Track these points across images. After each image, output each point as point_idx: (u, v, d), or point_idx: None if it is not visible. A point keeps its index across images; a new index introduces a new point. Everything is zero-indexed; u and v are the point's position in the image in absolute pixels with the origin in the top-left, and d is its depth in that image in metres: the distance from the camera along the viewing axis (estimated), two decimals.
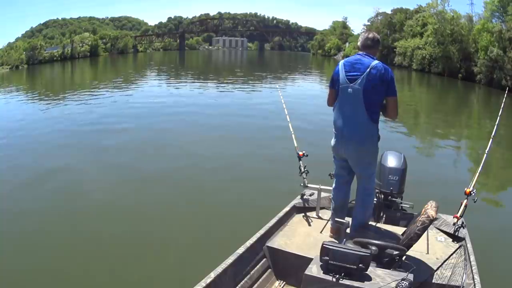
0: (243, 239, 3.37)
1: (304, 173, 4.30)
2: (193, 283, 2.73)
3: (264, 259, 3.45)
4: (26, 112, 15.96)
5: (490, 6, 32.09)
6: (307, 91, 24.06)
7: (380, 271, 2.59)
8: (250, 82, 29.90)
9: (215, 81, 30.57)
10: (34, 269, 4.64)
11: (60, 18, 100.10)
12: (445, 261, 3.31)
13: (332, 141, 3.59)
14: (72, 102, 18.11)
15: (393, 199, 4.23)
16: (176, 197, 6.88)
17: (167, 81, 30.92)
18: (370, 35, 3.51)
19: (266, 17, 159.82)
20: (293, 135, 4.80)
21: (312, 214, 4.19)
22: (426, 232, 3.33)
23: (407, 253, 3.02)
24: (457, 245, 3.53)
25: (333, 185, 3.80)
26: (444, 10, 40.37)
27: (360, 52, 3.48)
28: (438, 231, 3.82)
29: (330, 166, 3.84)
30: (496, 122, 4.99)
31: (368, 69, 3.30)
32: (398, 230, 3.67)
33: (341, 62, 3.52)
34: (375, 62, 3.33)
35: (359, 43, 3.55)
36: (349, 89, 3.35)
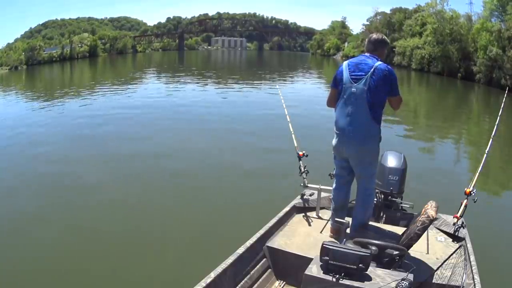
0: (243, 239, 3.37)
1: (304, 173, 4.30)
2: (193, 283, 2.73)
3: (264, 259, 3.45)
4: (25, 112, 15.95)
5: (489, 6, 32.08)
6: (307, 91, 24.06)
7: (380, 271, 2.59)
8: (250, 82, 29.88)
9: (214, 81, 30.59)
10: (34, 269, 4.64)
11: (59, 19, 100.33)
12: (445, 261, 3.31)
13: (334, 141, 3.59)
14: (71, 102, 18.14)
15: (393, 199, 4.23)
16: (176, 197, 6.88)
17: (166, 81, 30.92)
18: (374, 36, 3.56)
19: (265, 17, 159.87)
20: (293, 135, 4.80)
21: (312, 214, 4.18)
22: (426, 232, 3.33)
23: (407, 253, 3.02)
24: (457, 245, 3.53)
25: (333, 185, 3.80)
26: (443, 9, 40.39)
27: (365, 54, 3.52)
28: (438, 231, 3.81)
29: (330, 166, 3.84)
30: (496, 122, 5.00)
31: (372, 69, 3.33)
32: (398, 230, 3.66)
33: (345, 63, 3.54)
34: (379, 62, 3.38)
35: (365, 46, 3.59)
36: (352, 89, 3.37)
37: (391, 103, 3.49)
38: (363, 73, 3.35)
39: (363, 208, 3.63)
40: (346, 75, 3.43)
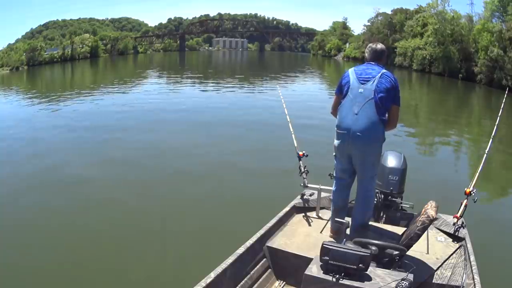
0: (243, 239, 3.37)
1: (304, 173, 4.31)
2: (193, 283, 2.73)
3: (264, 259, 3.45)
4: (26, 112, 15.98)
5: (490, 6, 32.10)
6: (307, 91, 24.03)
7: (380, 271, 2.59)
8: (251, 82, 29.94)
9: (215, 81, 30.59)
10: (34, 268, 4.66)
11: (60, 19, 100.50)
12: (445, 261, 3.31)
13: (336, 142, 3.56)
14: (72, 103, 18.14)
15: (393, 199, 4.23)
16: (176, 197, 6.89)
17: (167, 82, 30.98)
18: (379, 47, 3.63)
19: (266, 18, 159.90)
20: (293, 135, 4.81)
21: (312, 214, 4.19)
22: (426, 232, 3.33)
23: (407, 253, 3.02)
24: (457, 245, 3.53)
25: (334, 187, 3.78)
26: (444, 10, 40.37)
27: (369, 62, 3.57)
28: (438, 231, 3.81)
29: (330, 166, 3.84)
30: (496, 122, 5.00)
31: (380, 74, 3.40)
32: (398, 230, 3.67)
33: (350, 69, 3.58)
34: (385, 70, 3.46)
35: (366, 55, 3.63)
36: (360, 89, 3.39)
37: (390, 114, 3.46)
38: (371, 76, 3.41)
39: (363, 209, 3.63)
40: (353, 77, 3.47)
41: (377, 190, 4.14)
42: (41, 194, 6.97)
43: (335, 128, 3.55)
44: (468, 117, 18.61)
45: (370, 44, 3.69)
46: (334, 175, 3.78)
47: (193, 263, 4.61)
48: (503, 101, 5.97)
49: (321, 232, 3.84)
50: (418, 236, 2.97)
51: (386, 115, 3.44)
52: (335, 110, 3.64)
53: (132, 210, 6.29)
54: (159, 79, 33.28)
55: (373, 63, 3.55)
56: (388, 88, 3.36)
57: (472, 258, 3.15)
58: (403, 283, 2.43)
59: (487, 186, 7.74)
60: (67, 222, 5.87)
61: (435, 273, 3.15)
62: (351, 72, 3.52)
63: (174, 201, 6.68)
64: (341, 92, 3.56)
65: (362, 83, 3.40)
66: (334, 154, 3.67)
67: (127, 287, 4.39)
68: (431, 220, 2.94)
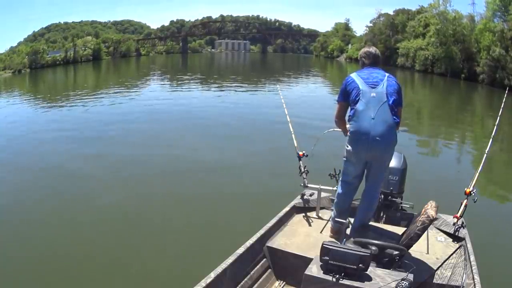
0: (243, 239, 3.38)
1: (304, 173, 4.31)
2: (193, 283, 2.74)
3: (264, 259, 3.46)
4: (28, 116, 16.06)
5: (491, 6, 32.02)
6: (308, 92, 24.06)
7: (380, 271, 2.60)
8: (252, 83, 29.99)
9: (217, 83, 30.69)
10: (34, 267, 4.70)
11: (62, 22, 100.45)
12: (445, 261, 3.30)
13: (352, 148, 3.46)
14: (74, 106, 18.20)
15: (393, 199, 4.23)
16: (177, 197, 6.90)
17: (170, 84, 31.07)
18: (375, 50, 3.65)
19: (268, 19, 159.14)
20: (293, 135, 4.81)
21: (312, 214, 4.19)
22: (426, 232, 3.33)
23: (407, 253, 3.02)
24: (457, 245, 3.53)
25: (340, 190, 3.73)
26: (446, 10, 40.37)
27: (368, 67, 3.58)
28: (438, 231, 3.81)
29: (330, 166, 3.84)
30: (496, 122, 4.99)
31: (386, 77, 3.43)
32: (398, 230, 3.65)
33: (353, 74, 3.52)
34: (388, 73, 3.49)
35: (365, 60, 3.62)
36: (372, 94, 3.36)
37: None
38: (379, 80, 3.41)
39: (368, 209, 3.63)
40: (360, 82, 3.42)
41: None
42: (43, 193, 7.03)
43: (349, 134, 3.46)
44: (469, 117, 18.55)
45: (366, 49, 3.68)
46: (341, 178, 3.72)
47: (193, 263, 4.61)
48: (503, 101, 5.95)
49: (321, 232, 3.84)
50: (418, 236, 2.97)
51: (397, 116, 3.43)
52: (341, 119, 3.60)
53: (132, 210, 6.31)
54: (162, 82, 33.32)
55: (374, 67, 3.54)
56: (396, 89, 3.39)
57: (472, 258, 3.15)
58: (403, 283, 2.43)
59: (487, 186, 7.72)
60: (68, 220, 5.90)
61: (435, 273, 3.15)
62: (356, 77, 3.46)
63: (174, 201, 6.69)
64: (346, 99, 3.51)
65: (372, 87, 3.37)
66: (344, 158, 3.59)
67: (127, 287, 4.40)
68: (431, 220, 2.94)
